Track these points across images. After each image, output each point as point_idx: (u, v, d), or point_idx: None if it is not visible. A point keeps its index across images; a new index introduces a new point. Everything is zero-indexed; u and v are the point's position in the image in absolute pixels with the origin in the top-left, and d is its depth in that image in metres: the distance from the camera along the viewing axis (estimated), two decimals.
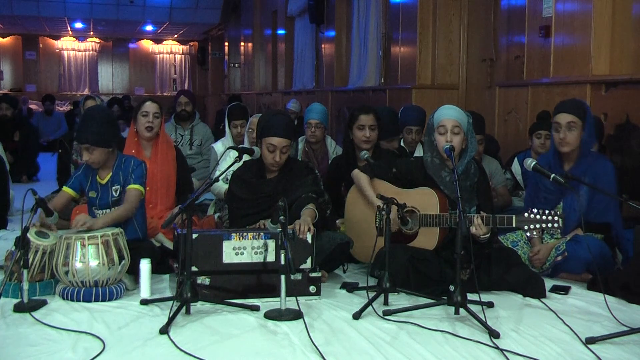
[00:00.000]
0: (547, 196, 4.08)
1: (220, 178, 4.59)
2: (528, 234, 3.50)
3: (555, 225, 3.33)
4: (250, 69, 16.18)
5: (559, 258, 3.91)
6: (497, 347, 2.82)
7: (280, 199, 3.29)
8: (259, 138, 3.90)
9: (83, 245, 3.41)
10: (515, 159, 5.37)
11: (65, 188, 3.92)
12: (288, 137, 3.85)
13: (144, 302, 3.41)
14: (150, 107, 4.63)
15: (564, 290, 3.70)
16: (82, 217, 3.57)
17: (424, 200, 3.72)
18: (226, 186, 4.78)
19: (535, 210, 3.37)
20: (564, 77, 5.28)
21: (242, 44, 17.25)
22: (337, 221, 4.39)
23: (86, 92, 20.82)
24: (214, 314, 3.26)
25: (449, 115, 3.66)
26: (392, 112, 5.28)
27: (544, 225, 3.34)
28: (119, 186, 3.84)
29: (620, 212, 4.03)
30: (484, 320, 3.03)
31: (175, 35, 22.31)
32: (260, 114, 4.76)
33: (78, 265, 3.41)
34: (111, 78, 22.63)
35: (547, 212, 3.36)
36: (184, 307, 3.20)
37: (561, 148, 3.98)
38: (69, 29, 20.54)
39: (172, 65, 23.29)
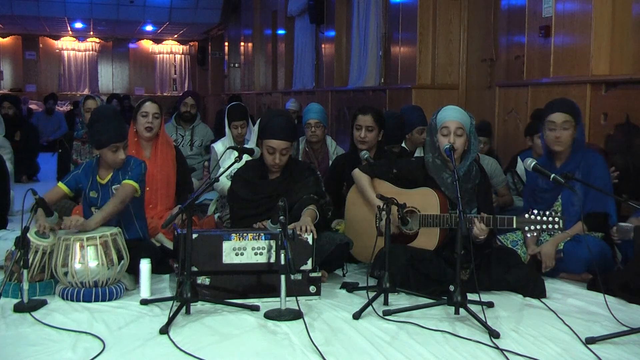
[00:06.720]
0: (543, 195, 4.09)
1: (225, 175, 4.58)
2: (529, 235, 3.50)
3: (556, 226, 3.33)
4: (250, 69, 16.17)
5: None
6: (497, 347, 2.82)
7: (281, 199, 3.29)
8: (259, 139, 3.90)
9: (82, 247, 3.41)
10: (519, 160, 5.35)
11: (60, 184, 3.82)
12: (287, 139, 3.85)
13: (144, 302, 3.41)
14: (150, 107, 4.63)
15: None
16: (75, 217, 3.54)
17: (424, 200, 3.72)
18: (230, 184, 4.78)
19: (535, 212, 3.37)
20: (564, 77, 5.28)
21: (242, 44, 17.25)
22: (333, 222, 4.37)
23: (86, 92, 20.81)
24: (214, 314, 3.26)
25: (452, 117, 3.65)
26: (398, 118, 5.17)
27: (544, 227, 3.34)
28: (118, 186, 3.82)
29: (616, 203, 4.03)
30: (484, 320, 3.03)
31: (175, 35, 22.32)
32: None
33: (77, 266, 3.41)
34: (111, 78, 22.64)
35: (547, 213, 3.36)
36: (184, 307, 3.20)
37: (555, 147, 4.00)
38: (69, 29, 20.54)
39: (172, 65, 23.30)
